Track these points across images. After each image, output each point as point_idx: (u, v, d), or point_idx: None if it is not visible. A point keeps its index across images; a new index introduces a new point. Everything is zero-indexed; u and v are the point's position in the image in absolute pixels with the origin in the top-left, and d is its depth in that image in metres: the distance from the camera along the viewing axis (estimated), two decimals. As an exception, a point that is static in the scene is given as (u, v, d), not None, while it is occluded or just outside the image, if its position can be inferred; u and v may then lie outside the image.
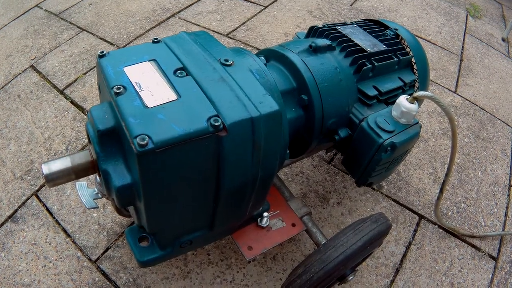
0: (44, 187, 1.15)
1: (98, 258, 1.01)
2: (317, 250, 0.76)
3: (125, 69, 0.64)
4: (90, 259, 1.01)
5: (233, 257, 1.00)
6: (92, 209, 0.96)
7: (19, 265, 1.00)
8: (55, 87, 1.40)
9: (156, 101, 0.58)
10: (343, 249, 0.74)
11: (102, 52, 0.67)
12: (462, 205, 1.18)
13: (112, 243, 1.03)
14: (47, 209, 1.10)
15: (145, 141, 0.51)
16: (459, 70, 1.64)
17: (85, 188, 0.91)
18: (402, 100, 0.79)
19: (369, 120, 0.80)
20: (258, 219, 0.80)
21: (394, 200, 1.14)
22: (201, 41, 0.73)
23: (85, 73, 1.45)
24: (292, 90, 0.79)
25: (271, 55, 0.84)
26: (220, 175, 0.61)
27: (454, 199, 1.19)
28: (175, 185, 0.59)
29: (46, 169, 0.64)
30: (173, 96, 0.59)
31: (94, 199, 0.91)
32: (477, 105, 1.51)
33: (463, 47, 1.80)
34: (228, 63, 0.66)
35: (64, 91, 1.39)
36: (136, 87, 0.60)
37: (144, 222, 0.66)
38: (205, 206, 0.66)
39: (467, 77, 1.62)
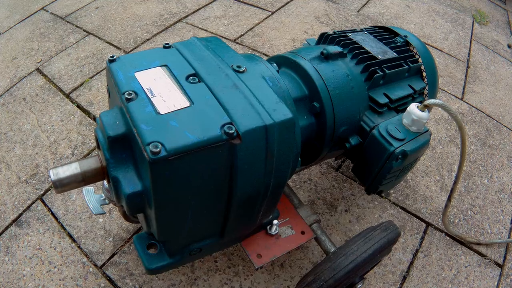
0: (49, 191, 1.14)
1: (104, 264, 1.00)
2: (327, 258, 0.76)
3: (136, 74, 0.64)
4: (95, 265, 1.00)
5: (240, 264, 0.99)
6: (99, 215, 0.95)
7: (23, 270, 0.99)
8: (61, 90, 1.40)
9: (168, 108, 0.57)
10: (354, 257, 0.73)
11: (113, 56, 0.67)
12: (469, 212, 1.17)
13: (118, 249, 1.02)
14: (52, 214, 1.10)
15: (158, 149, 0.50)
16: (466, 77, 1.64)
17: (92, 194, 0.90)
18: (413, 108, 0.79)
19: (380, 128, 0.80)
20: (268, 227, 0.79)
21: (402, 208, 1.14)
22: (213, 47, 0.72)
23: (91, 77, 1.45)
24: (304, 98, 0.78)
25: (282, 62, 0.83)
26: (232, 184, 0.60)
27: (461, 206, 1.18)
28: (186, 193, 0.58)
29: (54, 174, 0.63)
30: (186, 103, 0.59)
31: (101, 205, 0.90)
32: (483, 112, 1.51)
33: (469, 54, 1.79)
34: (240, 70, 0.66)
35: (70, 95, 1.39)
36: (148, 93, 0.60)
37: (154, 230, 0.65)
38: (216, 214, 0.65)
39: (474, 84, 1.62)
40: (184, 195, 0.58)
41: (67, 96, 1.38)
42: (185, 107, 0.58)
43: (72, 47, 1.55)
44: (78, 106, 1.36)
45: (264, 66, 0.74)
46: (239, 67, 0.66)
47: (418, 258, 1.04)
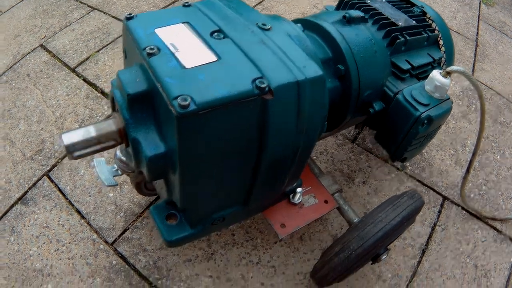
0: (56, 167, 1.11)
1: (115, 240, 0.97)
2: (354, 227, 0.74)
3: (157, 30, 0.60)
4: (106, 242, 0.97)
5: (259, 237, 0.97)
6: (110, 188, 0.92)
7: (30, 250, 0.96)
8: (66, 65, 1.36)
9: (194, 62, 0.54)
10: (382, 224, 0.72)
11: (130, 14, 0.63)
12: (483, 187, 1.16)
13: (130, 224, 0.99)
14: (60, 190, 1.06)
15: (187, 102, 0.47)
16: (475, 55, 1.62)
17: (103, 165, 0.87)
18: (436, 74, 0.77)
19: (404, 93, 0.78)
20: (291, 196, 0.77)
21: (418, 181, 1.12)
22: (234, 6, 0.69)
23: (97, 51, 1.40)
24: (328, 60, 0.76)
25: (304, 25, 0.80)
26: (262, 144, 0.57)
27: (476, 181, 1.16)
28: (214, 154, 0.55)
29: (67, 138, 0.58)
30: (213, 57, 0.55)
31: (113, 176, 0.86)
32: (493, 90, 1.49)
33: (477, 33, 1.77)
34: (266, 27, 0.63)
35: (76, 69, 1.34)
36: (171, 48, 0.56)
37: (177, 197, 0.62)
38: (243, 178, 0.63)
39: (483, 62, 1.60)
40: (211, 155, 0.55)
41: (73, 70, 1.34)
42: (212, 62, 0.55)
43: (76, 23, 1.50)
44: (85, 80, 1.32)
45: (289, 25, 0.71)
46: (264, 24, 0.63)
47: (436, 231, 1.03)
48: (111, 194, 1.05)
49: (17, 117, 1.22)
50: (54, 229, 0.99)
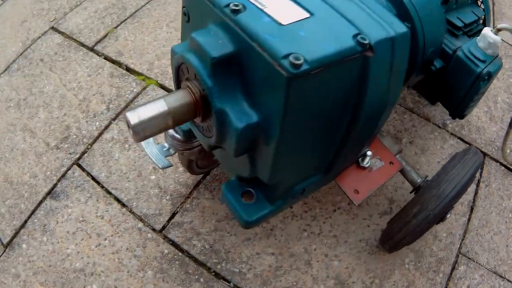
0: (86, 154, 1.05)
1: (164, 227, 0.92)
2: (428, 186, 0.73)
3: None
4: (154, 229, 0.92)
5: (317, 207, 0.95)
6: (165, 168, 0.87)
7: (67, 248, 0.90)
8: (83, 45, 1.27)
9: (289, 19, 0.50)
10: (455, 182, 0.72)
11: None
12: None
13: (178, 207, 0.95)
14: (93, 179, 1.00)
15: (300, 61, 0.42)
16: (493, 13, 1.62)
17: (153, 145, 0.82)
18: (487, 31, 0.77)
19: (464, 49, 0.78)
20: (360, 159, 0.75)
21: (459, 138, 1.12)
22: None
23: (115, 27, 1.32)
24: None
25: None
26: (359, 104, 0.54)
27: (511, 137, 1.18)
28: (314, 118, 0.52)
29: (135, 117, 0.51)
30: (305, 14, 0.52)
31: (166, 156, 0.82)
32: (513, 46, 1.50)
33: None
34: (342, -14, 0.59)
35: (95, 47, 1.27)
36: (257, 4, 0.52)
37: (265, 171, 0.57)
38: (332, 143, 0.60)
39: (501, 21, 1.61)
40: (311, 120, 0.52)
41: (91, 49, 1.26)
42: (306, 18, 0.51)
43: (87, 1, 1.41)
44: (106, 58, 1.24)
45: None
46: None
47: (481, 188, 1.04)
48: (152, 177, 1.00)
49: (35, 105, 1.15)
50: (92, 223, 0.93)
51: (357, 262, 0.89)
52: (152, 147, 0.82)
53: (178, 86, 0.60)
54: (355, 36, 0.49)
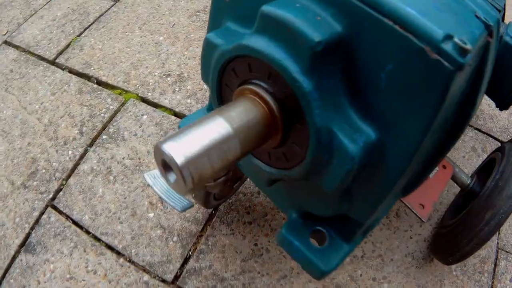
0: (61, 192, 0.85)
1: (177, 277, 0.75)
2: (494, 188, 0.66)
3: None
4: (164, 281, 0.74)
5: (357, 227, 0.83)
6: (178, 212, 0.66)
7: None
8: (42, 58, 1.13)
9: None
10: None
11: None
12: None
13: (191, 250, 0.77)
14: (75, 223, 0.81)
15: (468, 45, 0.29)
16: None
17: (158, 179, 0.62)
18: None
19: (510, 33, 0.70)
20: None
21: (476, 129, 1.07)
22: None
23: (78, 35, 1.18)
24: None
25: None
26: (470, 99, 0.40)
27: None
28: (440, 126, 0.37)
29: (178, 151, 0.30)
30: None
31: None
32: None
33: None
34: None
35: (57, 60, 1.13)
36: None
37: (368, 207, 0.42)
38: (441, 155, 0.45)
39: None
40: (439, 130, 0.38)
41: (53, 62, 1.12)
42: None
43: (43, 9, 1.28)
44: (71, 71, 1.10)
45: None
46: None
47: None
48: (151, 214, 0.81)
49: (-10, 136, 0.94)
50: (83, 280, 0.75)
51: (407, 279, 0.80)
52: (162, 183, 0.61)
53: (220, 94, 0.43)
54: (477, 16, 0.36)
